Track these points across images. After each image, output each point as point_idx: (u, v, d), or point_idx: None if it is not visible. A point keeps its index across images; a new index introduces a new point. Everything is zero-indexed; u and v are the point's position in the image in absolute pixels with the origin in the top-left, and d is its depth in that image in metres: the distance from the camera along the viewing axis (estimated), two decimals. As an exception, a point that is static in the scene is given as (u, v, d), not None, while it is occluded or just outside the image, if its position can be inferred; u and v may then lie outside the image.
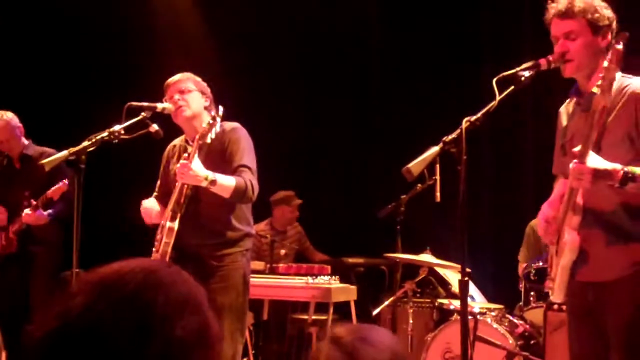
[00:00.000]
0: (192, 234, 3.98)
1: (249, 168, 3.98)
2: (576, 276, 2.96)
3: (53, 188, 5.24)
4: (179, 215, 3.96)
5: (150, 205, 4.11)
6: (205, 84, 4.21)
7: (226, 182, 3.88)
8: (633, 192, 2.78)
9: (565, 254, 2.91)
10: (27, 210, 5.33)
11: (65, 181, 5.21)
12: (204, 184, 3.82)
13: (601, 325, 2.96)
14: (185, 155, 3.93)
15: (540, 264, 5.05)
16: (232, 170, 3.96)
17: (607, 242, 2.89)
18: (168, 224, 3.95)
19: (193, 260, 3.93)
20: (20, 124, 5.63)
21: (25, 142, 5.65)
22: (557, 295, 3.02)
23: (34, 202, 5.31)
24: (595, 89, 2.78)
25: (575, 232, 2.88)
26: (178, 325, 1.20)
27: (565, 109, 3.20)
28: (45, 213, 5.38)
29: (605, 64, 2.70)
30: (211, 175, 3.82)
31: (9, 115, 5.59)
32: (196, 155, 3.84)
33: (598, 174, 2.74)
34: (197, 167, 3.82)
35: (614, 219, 2.88)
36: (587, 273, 2.94)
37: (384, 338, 1.57)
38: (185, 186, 3.96)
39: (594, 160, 2.74)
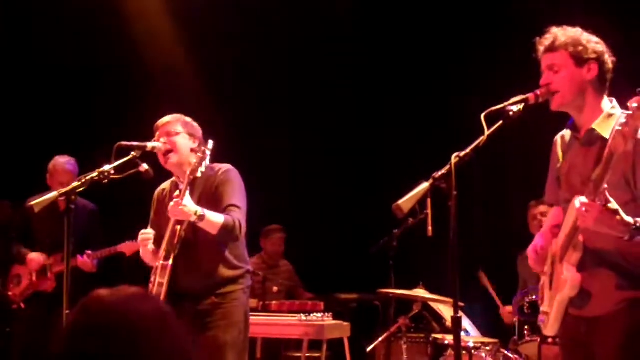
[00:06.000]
0: (191, 276, 3.98)
1: (238, 207, 4.03)
2: (570, 310, 2.98)
3: (127, 244, 5.39)
4: (172, 255, 3.95)
5: (147, 233, 4.08)
6: (195, 125, 4.22)
7: (214, 219, 3.92)
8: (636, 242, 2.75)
9: (565, 290, 2.92)
10: (83, 259, 5.47)
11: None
12: (193, 218, 3.85)
13: (591, 357, 2.96)
14: (177, 192, 3.94)
15: (534, 297, 5.03)
16: (222, 210, 4.00)
17: (603, 281, 2.89)
18: (161, 262, 3.94)
19: (191, 300, 3.95)
20: None
21: None
22: (550, 328, 3.05)
23: (90, 252, 5.48)
24: (595, 126, 2.88)
25: (574, 269, 2.89)
26: None
27: (561, 139, 3.19)
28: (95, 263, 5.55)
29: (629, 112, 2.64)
30: (200, 210, 3.86)
31: (73, 161, 5.73)
32: (187, 192, 3.87)
33: (605, 219, 2.69)
34: (188, 202, 3.86)
35: (611, 259, 2.87)
36: (581, 308, 2.94)
37: None
38: (178, 227, 3.97)
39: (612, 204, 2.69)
